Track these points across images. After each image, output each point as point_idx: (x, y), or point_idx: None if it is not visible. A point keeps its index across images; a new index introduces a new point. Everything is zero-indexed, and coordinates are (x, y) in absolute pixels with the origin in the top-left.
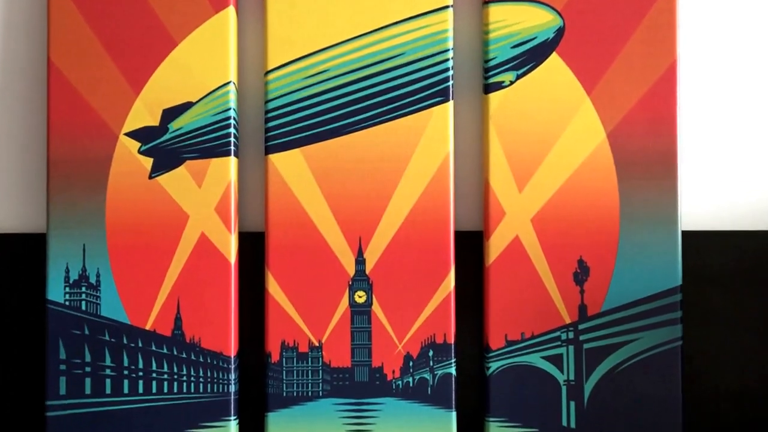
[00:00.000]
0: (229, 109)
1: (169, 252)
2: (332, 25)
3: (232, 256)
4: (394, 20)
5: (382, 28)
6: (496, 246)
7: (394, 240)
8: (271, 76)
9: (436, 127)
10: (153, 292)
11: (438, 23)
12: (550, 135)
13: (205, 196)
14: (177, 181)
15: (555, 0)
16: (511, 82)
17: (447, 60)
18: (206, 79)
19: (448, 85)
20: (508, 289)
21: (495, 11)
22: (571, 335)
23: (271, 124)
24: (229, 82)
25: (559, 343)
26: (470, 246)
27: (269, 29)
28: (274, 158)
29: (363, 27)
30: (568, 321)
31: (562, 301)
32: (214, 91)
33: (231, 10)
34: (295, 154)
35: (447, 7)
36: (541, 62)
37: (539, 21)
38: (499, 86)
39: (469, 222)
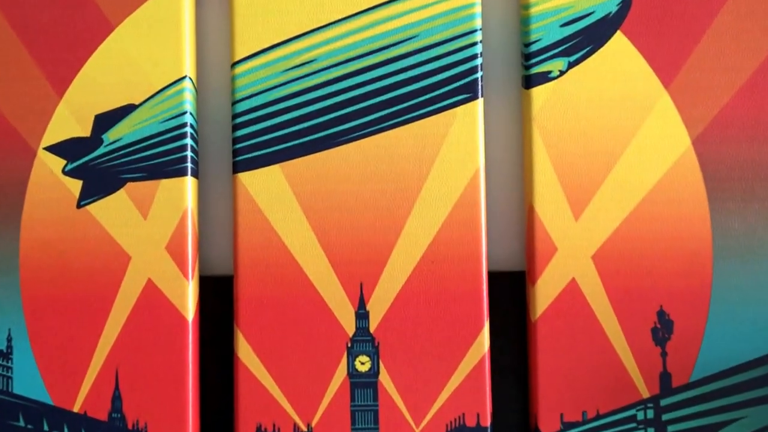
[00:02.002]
0: (185, 113)
1: (104, 306)
2: (319, 1)
3: (190, 310)
4: None
5: (386, 3)
6: (545, 293)
7: (408, 286)
8: (239, 69)
9: (461, 134)
10: (83, 362)
11: None
12: (616, 143)
13: (152, 231)
14: (115, 210)
15: None
16: (561, 73)
17: (474, 44)
18: (153, 74)
19: (477, 78)
20: (563, 352)
21: None
22: (650, 414)
23: (240, 132)
24: (183, 78)
25: (634, 425)
26: (510, 293)
27: (237, 7)
28: (246, 178)
29: (361, 3)
30: (646, 395)
31: (638, 368)
32: (164, 89)
33: None
34: (272, 172)
35: None
36: (602, 45)
37: None
38: (545, 78)
39: (507, 260)
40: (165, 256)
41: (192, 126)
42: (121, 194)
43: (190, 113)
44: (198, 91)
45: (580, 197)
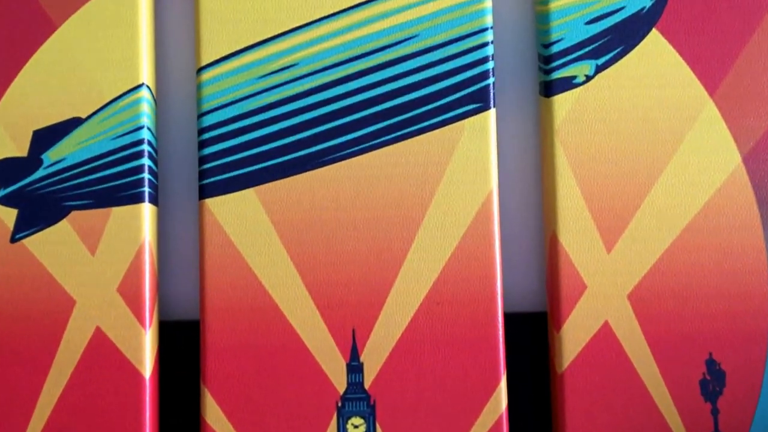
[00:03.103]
0: (142, 128)
1: (44, 359)
2: None
3: (147, 364)
4: None
5: None
6: (573, 339)
7: (409, 332)
8: (206, 76)
9: (471, 151)
10: (19, 425)
11: None
12: (653, 161)
13: (102, 269)
14: (56, 244)
15: None
16: (588, 78)
17: (485, 45)
18: (103, 81)
19: (488, 84)
20: (596, 410)
21: None
22: None
23: (207, 150)
24: (140, 86)
25: None
26: (531, 339)
27: (203, 2)
28: (214, 204)
29: None
30: None
31: (684, 428)
32: (116, 100)
33: None
34: (246, 197)
35: None
36: (635, 45)
37: None
38: (569, 84)
39: (527, 300)
40: (117, 299)
41: (150, 143)
42: (64, 225)
43: (148, 128)
44: (157, 102)
45: (613, 225)
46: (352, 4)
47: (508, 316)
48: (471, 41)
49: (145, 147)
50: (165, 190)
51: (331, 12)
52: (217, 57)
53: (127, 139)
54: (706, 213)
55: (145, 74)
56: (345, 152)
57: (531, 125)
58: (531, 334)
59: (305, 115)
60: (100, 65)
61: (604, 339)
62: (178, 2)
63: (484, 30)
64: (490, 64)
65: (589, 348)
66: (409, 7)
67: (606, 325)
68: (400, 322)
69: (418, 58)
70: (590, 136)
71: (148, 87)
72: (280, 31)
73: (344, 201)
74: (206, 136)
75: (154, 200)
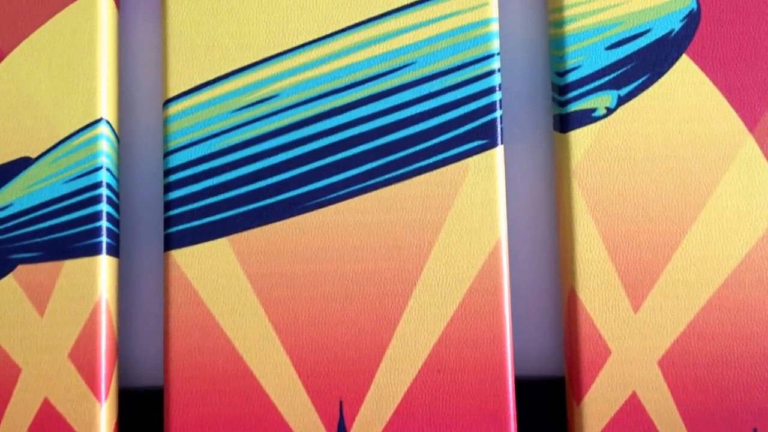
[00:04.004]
0: (100, 169)
1: None
2: (282, 17)
3: None
4: (392, 7)
5: (373, 20)
6: (595, 411)
7: (405, 404)
8: (173, 110)
9: (476, 194)
10: None
11: (473, 10)
12: (686, 206)
13: (52, 331)
14: (0, 303)
15: None
16: (609, 111)
17: (492, 73)
18: (57, 116)
19: (495, 118)
20: None
21: None
22: None
23: (174, 194)
24: (98, 122)
25: None
26: (546, 408)
27: (170, 27)
28: (181, 256)
29: (339, 20)
30: None
31: None
32: (71, 137)
33: None
34: (218, 248)
35: None
36: (662, 74)
37: (655, 1)
38: (588, 118)
39: (541, 363)
40: (68, 366)
41: (110, 186)
42: (8, 281)
43: (108, 169)
44: (120, 139)
45: (640, 280)
46: (340, 27)
47: (520, 383)
48: (476, 69)
49: (104, 191)
50: (127, 240)
51: (317, 36)
52: (186, 88)
53: (83, 182)
54: (748, 265)
55: (105, 108)
56: (332, 196)
57: (544, 164)
58: (546, 404)
59: (286, 153)
60: (54, 98)
61: (632, 412)
62: (145, 26)
63: (491, 56)
64: (498, 95)
65: (614, 422)
66: (406, 30)
67: (633, 396)
68: (395, 393)
69: (415, 89)
70: (612, 177)
71: (108, 122)
72: (258, 59)
73: (331, 252)
74: (173, 178)
75: (113, 251)
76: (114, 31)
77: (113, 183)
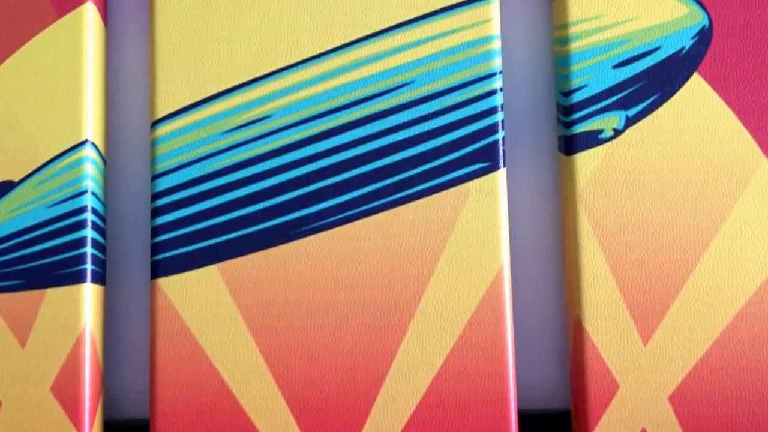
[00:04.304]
0: (84, 193)
1: None
2: (274, 35)
3: None
4: (390, 24)
5: (369, 37)
6: None
7: None
8: (162, 131)
9: (477, 219)
10: None
11: (474, 26)
12: (698, 232)
13: (33, 363)
14: None
15: None
16: (616, 132)
17: (493, 93)
18: (41, 138)
19: (497, 140)
20: None
21: (578, 1)
22: None
23: (161, 219)
24: (83, 144)
25: None
26: None
27: (159, 44)
28: (168, 284)
29: (331, 39)
30: None
31: None
32: (55, 159)
33: (88, 11)
34: (207, 276)
35: None
36: (673, 93)
37: (664, 17)
38: (594, 140)
39: (545, 396)
40: (50, 400)
41: (96, 211)
42: None
43: (93, 193)
44: (107, 162)
45: (650, 310)
46: (335, 45)
47: (523, 418)
48: (477, 88)
49: (89, 216)
50: (115, 267)
51: (311, 55)
52: (175, 108)
53: (68, 207)
54: (763, 295)
55: (91, 129)
56: (326, 221)
57: (549, 188)
58: None
59: (279, 176)
60: (37, 118)
61: None
62: (134, 43)
63: (493, 75)
64: (500, 116)
65: None
66: (403, 48)
67: None
68: (392, 429)
69: (413, 109)
70: (620, 201)
71: (94, 145)
72: (249, 78)
73: (325, 280)
74: (160, 202)
75: (99, 279)
76: (101, 49)
77: (99, 208)
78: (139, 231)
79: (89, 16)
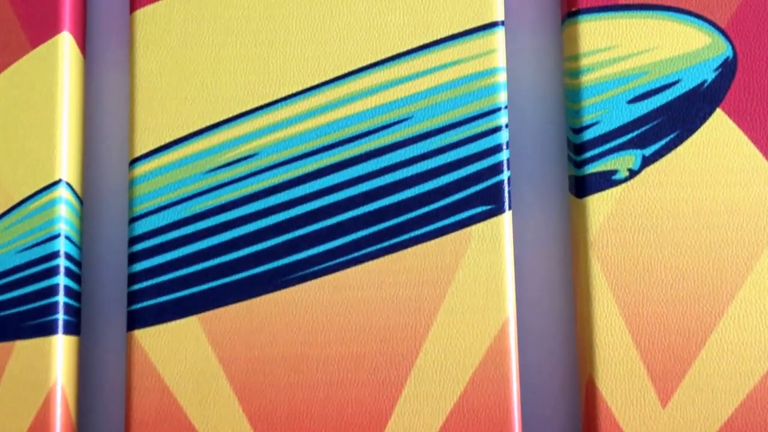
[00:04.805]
0: (57, 237)
1: None
2: (262, 67)
3: None
4: (386, 56)
5: (360, 71)
6: None
7: None
8: (140, 170)
9: (481, 266)
10: None
11: (477, 58)
12: (722, 284)
13: (0, 421)
14: None
15: (712, 9)
16: (632, 173)
17: (498, 130)
18: (11, 177)
19: (502, 180)
20: None
21: (590, 30)
22: None
23: (138, 266)
24: (57, 183)
25: None
26: None
27: (139, 77)
28: (146, 336)
29: (322, 71)
30: None
31: None
32: (26, 201)
33: (64, 41)
34: (186, 328)
35: (495, 25)
36: (693, 130)
37: (684, 48)
38: (608, 181)
39: None
40: None
41: (69, 256)
42: None
43: (68, 237)
44: (83, 202)
45: (669, 369)
46: (327, 78)
47: None
48: (480, 125)
49: (62, 261)
50: (90, 316)
51: (301, 88)
52: (155, 146)
53: (39, 252)
54: None
55: (66, 168)
56: (316, 268)
57: (558, 234)
58: None
59: (265, 220)
60: (8, 156)
61: None
62: (114, 75)
63: (497, 110)
64: (505, 155)
65: None
66: (401, 81)
67: None
68: None
69: (411, 147)
70: (636, 249)
71: (68, 185)
72: (234, 113)
73: (314, 334)
74: (138, 247)
75: (72, 329)
76: (79, 81)
77: (74, 252)
78: (119, 277)
79: (65, 46)
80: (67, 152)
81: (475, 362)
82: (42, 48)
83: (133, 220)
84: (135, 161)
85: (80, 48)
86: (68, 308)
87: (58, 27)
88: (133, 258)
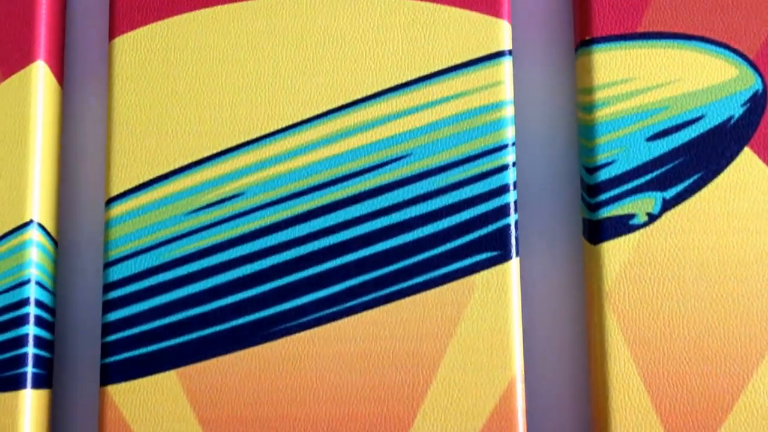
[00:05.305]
0: (27, 283)
1: None
2: (249, 100)
3: None
4: (383, 87)
5: (355, 103)
6: None
7: None
8: (117, 210)
9: (485, 318)
10: None
11: (482, 90)
12: (751, 339)
13: None
14: None
15: (740, 39)
16: (651, 218)
17: (504, 169)
18: None
19: (508, 224)
20: None
21: (605, 61)
22: None
23: (113, 316)
24: (27, 225)
25: None
26: None
27: (115, 110)
28: (119, 393)
29: (315, 103)
30: None
31: None
32: None
33: (38, 70)
34: (163, 383)
35: (502, 55)
36: (719, 171)
37: (709, 80)
38: (625, 226)
39: None
40: None
41: (40, 304)
42: None
43: (38, 283)
44: (58, 245)
45: None
46: (320, 111)
47: None
48: (485, 163)
49: (32, 309)
50: (63, 368)
51: (292, 122)
52: (132, 185)
53: (7, 299)
54: None
55: (37, 208)
56: (306, 319)
57: (570, 284)
58: None
59: (251, 266)
60: None
61: None
62: (92, 108)
63: (503, 148)
64: (512, 196)
65: None
66: (400, 115)
67: None
68: None
69: (410, 187)
70: (656, 302)
71: (41, 226)
72: (219, 149)
73: (303, 392)
74: (112, 295)
75: (42, 383)
76: (55, 113)
77: (46, 299)
78: (95, 326)
79: (39, 76)
80: (40, 190)
81: (478, 425)
82: (14, 78)
83: (108, 265)
84: (111, 201)
85: (57, 78)
86: (38, 360)
87: (32, 56)
88: (108, 306)
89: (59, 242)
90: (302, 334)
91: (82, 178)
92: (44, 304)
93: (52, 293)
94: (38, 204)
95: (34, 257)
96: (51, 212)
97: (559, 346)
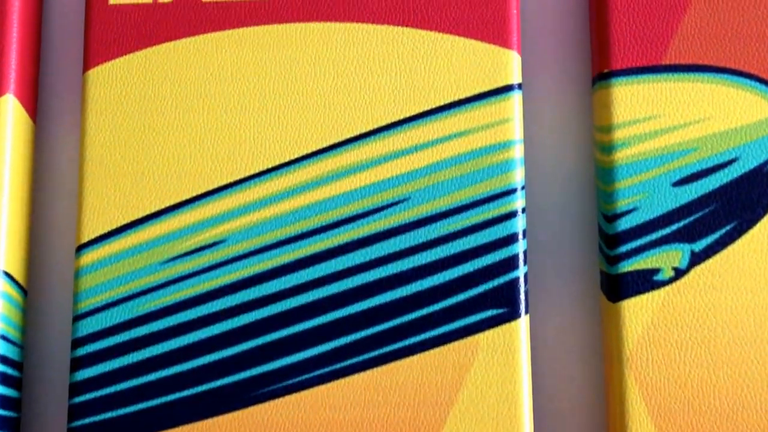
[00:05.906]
0: None
1: None
2: (232, 139)
3: None
4: (379, 125)
5: (348, 142)
6: None
7: None
8: (87, 258)
9: (491, 381)
10: None
11: (488, 128)
12: None
13: None
14: None
15: None
16: (678, 273)
17: (513, 216)
18: None
19: (517, 278)
20: None
21: (626, 96)
22: None
23: (80, 375)
24: None
25: None
26: None
27: (87, 149)
28: None
29: (303, 142)
30: None
31: None
32: None
33: (7, 105)
34: None
35: (510, 89)
36: (755, 221)
37: (743, 119)
38: (648, 282)
39: None
40: None
41: (5, 359)
42: None
43: (4, 337)
44: (27, 295)
45: None
46: (308, 150)
47: None
48: (492, 209)
49: None
50: (30, 428)
51: (278, 163)
52: (104, 230)
53: None
54: None
55: (3, 256)
56: (292, 382)
57: (587, 345)
58: None
59: (232, 321)
60: None
61: None
62: (67, 145)
63: (512, 192)
64: (521, 246)
65: None
66: (398, 155)
67: None
68: None
69: (408, 235)
70: (683, 369)
71: (8, 275)
72: (199, 192)
73: None
74: (81, 352)
75: None
76: (25, 152)
77: (12, 354)
78: (65, 383)
79: (8, 111)
80: (7, 235)
81: None
82: None
83: (77, 318)
84: (81, 248)
85: (29, 112)
86: (3, 421)
87: (1, 88)
88: (76, 364)
89: (29, 292)
90: (288, 398)
91: (55, 220)
92: (10, 360)
93: (20, 347)
94: (5, 250)
95: (0, 309)
96: (20, 259)
97: (573, 417)
